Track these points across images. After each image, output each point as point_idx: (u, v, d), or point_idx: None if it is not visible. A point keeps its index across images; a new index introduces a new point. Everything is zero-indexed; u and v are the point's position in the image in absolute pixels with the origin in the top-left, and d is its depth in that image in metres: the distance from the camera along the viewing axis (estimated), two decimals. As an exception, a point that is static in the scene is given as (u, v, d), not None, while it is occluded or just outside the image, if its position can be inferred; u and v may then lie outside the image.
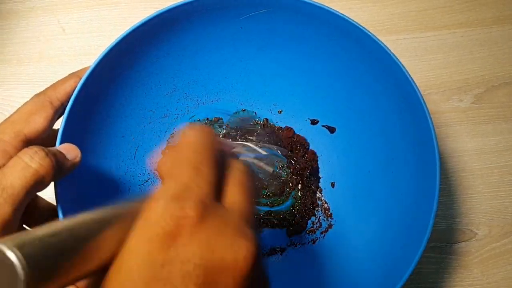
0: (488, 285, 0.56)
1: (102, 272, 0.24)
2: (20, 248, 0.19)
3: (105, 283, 0.23)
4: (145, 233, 0.23)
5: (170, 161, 0.27)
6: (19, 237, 0.20)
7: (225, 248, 0.23)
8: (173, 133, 0.27)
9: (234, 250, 0.24)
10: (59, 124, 0.41)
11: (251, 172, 0.31)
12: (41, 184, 0.35)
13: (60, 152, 0.37)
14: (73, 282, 0.22)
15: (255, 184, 0.29)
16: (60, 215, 0.39)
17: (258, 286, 0.26)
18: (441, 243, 0.57)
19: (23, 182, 0.34)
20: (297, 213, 0.54)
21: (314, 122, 0.55)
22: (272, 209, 0.54)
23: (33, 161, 0.34)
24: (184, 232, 0.23)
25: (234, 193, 0.28)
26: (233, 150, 0.35)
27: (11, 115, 0.39)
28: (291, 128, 0.55)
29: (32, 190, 0.34)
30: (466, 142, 0.59)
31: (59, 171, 0.36)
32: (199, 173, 0.26)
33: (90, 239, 0.23)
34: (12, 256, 0.19)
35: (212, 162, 0.27)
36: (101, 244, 0.23)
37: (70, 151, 0.38)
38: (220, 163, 0.28)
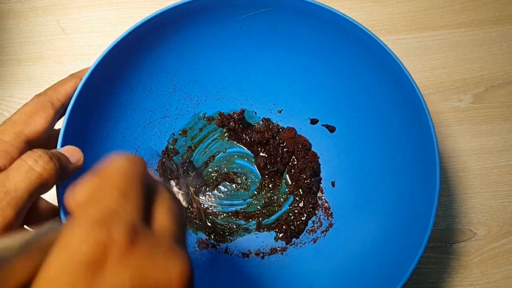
0: (487, 285, 0.56)
1: None
2: None
3: None
4: (65, 262, 0.21)
5: (92, 187, 0.25)
6: None
7: (157, 270, 0.22)
8: (96, 165, 0.26)
9: (167, 269, 0.23)
10: (60, 125, 0.41)
11: (177, 199, 0.30)
12: (44, 187, 0.35)
13: (64, 155, 0.37)
14: None
15: (182, 210, 0.29)
16: (62, 216, 0.39)
17: None
18: (440, 243, 0.57)
19: (27, 185, 0.34)
20: (292, 218, 0.54)
21: (314, 122, 0.55)
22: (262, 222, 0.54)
23: (37, 164, 0.34)
24: (111, 258, 0.22)
25: (163, 218, 0.26)
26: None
27: (12, 116, 0.39)
28: (293, 129, 0.55)
29: (35, 193, 0.34)
30: (465, 142, 0.59)
31: (62, 175, 0.36)
32: (127, 197, 0.25)
33: (2, 265, 0.22)
34: None
35: (141, 188, 0.26)
36: (11, 273, 0.22)
37: (73, 154, 0.38)
38: (148, 190, 0.27)
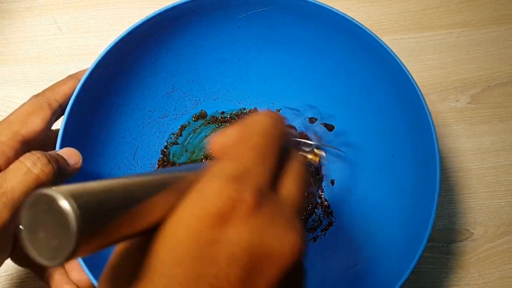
0: (484, 284, 0.56)
1: (146, 233, 0.24)
2: (76, 200, 0.19)
3: (152, 251, 0.23)
4: (198, 209, 0.23)
5: (234, 140, 0.26)
6: (75, 188, 0.19)
7: (274, 238, 0.23)
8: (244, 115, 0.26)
9: (283, 241, 0.23)
10: (58, 125, 0.40)
11: (307, 166, 0.30)
12: None
13: (62, 158, 0.37)
14: (119, 240, 0.22)
15: (310, 179, 0.29)
16: None
17: (296, 278, 0.26)
18: (437, 243, 0.57)
19: (24, 187, 0.34)
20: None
21: (312, 120, 0.55)
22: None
23: (35, 166, 0.34)
24: (237, 215, 0.23)
25: (291, 185, 0.27)
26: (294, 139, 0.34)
27: (9, 116, 0.39)
28: (293, 126, 0.55)
29: None
30: (462, 142, 0.60)
31: (60, 177, 0.36)
32: (263, 160, 0.25)
33: (143, 200, 0.23)
34: (67, 206, 0.18)
35: (277, 151, 0.27)
36: (152, 207, 0.23)
37: (72, 156, 0.38)
38: (283, 152, 0.28)
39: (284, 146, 0.28)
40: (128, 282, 0.23)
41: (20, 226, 0.20)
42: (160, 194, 0.24)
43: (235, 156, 0.25)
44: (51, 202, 0.19)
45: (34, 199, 0.19)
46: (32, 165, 0.34)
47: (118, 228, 0.21)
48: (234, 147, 0.26)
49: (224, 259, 0.22)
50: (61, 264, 0.36)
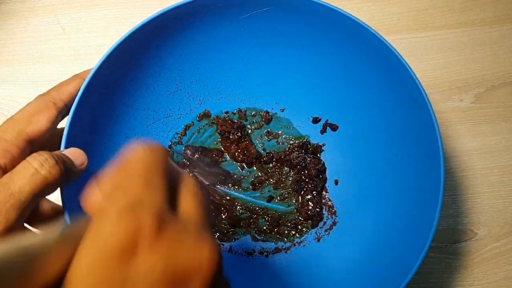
0: (488, 284, 0.56)
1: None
2: None
3: None
4: (97, 251, 0.22)
5: (115, 178, 0.26)
6: None
7: (187, 255, 0.23)
8: (116, 155, 0.27)
9: (198, 254, 0.23)
10: (63, 124, 0.40)
11: (201, 185, 0.30)
12: (48, 190, 0.35)
13: (69, 158, 0.37)
14: None
15: (207, 195, 0.29)
16: (66, 215, 0.39)
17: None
18: (441, 243, 0.57)
19: (31, 188, 0.34)
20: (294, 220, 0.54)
21: (316, 120, 0.55)
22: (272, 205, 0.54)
23: (43, 168, 0.34)
24: (142, 245, 0.22)
25: (188, 203, 0.27)
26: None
27: (14, 115, 0.39)
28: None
29: (39, 196, 0.34)
30: (466, 142, 0.60)
31: (67, 178, 0.36)
32: (151, 185, 0.25)
33: (30, 264, 0.22)
34: None
35: (163, 174, 0.26)
36: (44, 266, 0.22)
37: (78, 157, 0.38)
38: (171, 176, 0.28)
39: (170, 169, 0.28)
40: None
41: None
42: (54, 250, 0.23)
43: (122, 190, 0.25)
44: None
45: None
46: (40, 166, 0.34)
47: None
48: (118, 184, 0.25)
49: None
50: None
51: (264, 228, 0.53)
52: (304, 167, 0.54)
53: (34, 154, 0.35)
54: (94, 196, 0.26)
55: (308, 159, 0.54)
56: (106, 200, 0.24)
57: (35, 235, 0.24)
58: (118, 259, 0.22)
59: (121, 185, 0.25)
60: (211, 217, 0.31)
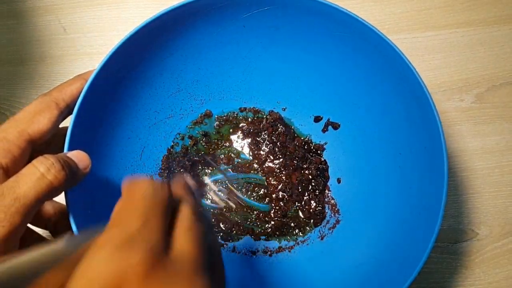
0: (489, 285, 0.56)
1: None
2: None
3: None
4: (87, 284, 0.22)
5: (118, 209, 0.26)
6: None
7: None
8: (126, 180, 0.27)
9: None
10: (65, 124, 0.40)
11: (200, 216, 0.30)
12: (53, 194, 0.35)
13: (74, 162, 0.37)
14: None
15: (205, 227, 0.29)
16: (71, 219, 0.39)
17: None
18: (442, 243, 0.57)
19: (37, 193, 0.34)
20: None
21: (317, 119, 0.55)
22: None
23: (49, 173, 0.34)
24: (129, 284, 0.22)
25: (183, 241, 0.27)
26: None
27: (16, 114, 0.39)
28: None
29: (43, 200, 0.34)
30: (467, 142, 0.59)
31: (71, 182, 0.36)
32: (148, 224, 0.25)
33: (25, 285, 0.22)
34: None
35: (162, 214, 0.27)
36: None
37: (82, 161, 0.38)
38: (170, 209, 0.28)
39: (170, 201, 0.28)
40: None
41: None
42: (52, 271, 0.23)
43: (121, 224, 0.25)
44: None
45: None
46: (46, 170, 0.34)
47: None
48: (119, 216, 0.26)
49: None
50: None
51: (268, 226, 0.53)
52: (306, 166, 0.54)
53: (40, 158, 0.35)
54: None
55: (310, 158, 0.54)
56: (103, 234, 0.24)
57: (34, 252, 0.24)
58: None
59: (121, 219, 0.25)
60: (214, 249, 0.30)
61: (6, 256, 0.23)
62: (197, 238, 0.27)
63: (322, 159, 0.55)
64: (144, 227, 0.25)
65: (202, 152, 0.55)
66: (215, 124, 0.55)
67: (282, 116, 0.56)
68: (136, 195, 0.27)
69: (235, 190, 0.53)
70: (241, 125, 0.56)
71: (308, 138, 0.55)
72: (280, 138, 0.54)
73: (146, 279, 0.22)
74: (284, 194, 0.54)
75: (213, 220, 0.53)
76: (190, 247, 0.26)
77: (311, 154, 0.55)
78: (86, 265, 0.23)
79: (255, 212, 0.54)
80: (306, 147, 0.55)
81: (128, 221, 0.25)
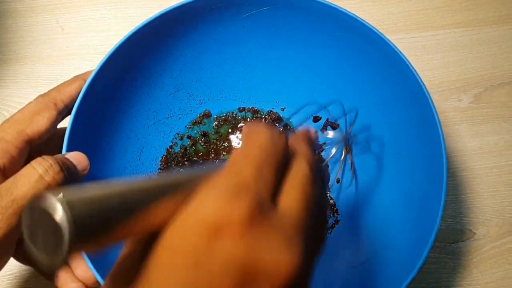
0: (486, 284, 0.56)
1: (149, 238, 0.24)
2: (71, 210, 0.19)
3: (152, 257, 0.23)
4: (194, 220, 0.23)
5: (237, 153, 0.26)
6: (71, 194, 0.20)
7: (270, 255, 0.22)
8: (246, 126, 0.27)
9: (278, 259, 0.23)
10: (64, 124, 0.40)
11: (316, 177, 0.29)
12: None
13: (72, 163, 0.37)
14: (116, 244, 0.22)
15: (318, 191, 0.28)
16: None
17: None
18: (440, 243, 0.57)
19: (35, 194, 0.33)
20: None
21: (316, 119, 0.55)
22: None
23: (47, 174, 0.34)
24: (232, 229, 0.22)
25: (292, 198, 0.26)
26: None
27: (14, 115, 0.39)
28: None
29: None
30: (465, 142, 0.60)
31: (69, 183, 0.36)
32: (261, 174, 0.25)
33: (140, 208, 0.23)
34: (61, 219, 0.19)
35: (276, 167, 0.26)
36: (150, 215, 0.23)
37: (80, 162, 0.38)
38: (285, 162, 0.28)
39: (287, 154, 0.28)
40: (129, 283, 0.23)
41: (23, 226, 0.20)
42: (159, 202, 0.24)
43: (235, 169, 0.25)
44: (47, 213, 0.19)
45: (33, 205, 0.20)
46: (45, 172, 0.34)
47: (112, 234, 0.21)
48: (237, 159, 0.26)
49: (218, 270, 0.21)
50: (61, 265, 0.36)
51: None
52: None
53: (39, 159, 0.35)
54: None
55: None
56: (218, 175, 0.25)
57: (149, 179, 0.25)
58: (208, 236, 0.22)
59: (235, 166, 0.25)
60: (322, 215, 0.29)
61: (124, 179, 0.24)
62: (308, 199, 0.27)
63: (322, 159, 0.55)
64: (257, 177, 0.25)
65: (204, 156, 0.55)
66: (214, 124, 0.55)
67: (281, 116, 0.56)
68: (255, 142, 0.27)
69: None
70: (240, 125, 0.56)
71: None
72: None
73: (247, 227, 0.22)
74: None
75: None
76: (297, 208, 0.26)
77: None
78: (197, 203, 0.23)
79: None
80: None
81: (242, 168, 0.25)
